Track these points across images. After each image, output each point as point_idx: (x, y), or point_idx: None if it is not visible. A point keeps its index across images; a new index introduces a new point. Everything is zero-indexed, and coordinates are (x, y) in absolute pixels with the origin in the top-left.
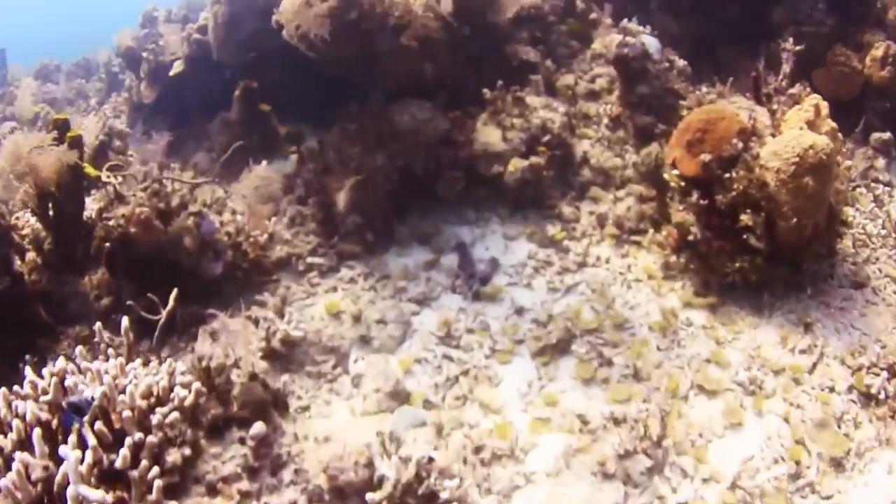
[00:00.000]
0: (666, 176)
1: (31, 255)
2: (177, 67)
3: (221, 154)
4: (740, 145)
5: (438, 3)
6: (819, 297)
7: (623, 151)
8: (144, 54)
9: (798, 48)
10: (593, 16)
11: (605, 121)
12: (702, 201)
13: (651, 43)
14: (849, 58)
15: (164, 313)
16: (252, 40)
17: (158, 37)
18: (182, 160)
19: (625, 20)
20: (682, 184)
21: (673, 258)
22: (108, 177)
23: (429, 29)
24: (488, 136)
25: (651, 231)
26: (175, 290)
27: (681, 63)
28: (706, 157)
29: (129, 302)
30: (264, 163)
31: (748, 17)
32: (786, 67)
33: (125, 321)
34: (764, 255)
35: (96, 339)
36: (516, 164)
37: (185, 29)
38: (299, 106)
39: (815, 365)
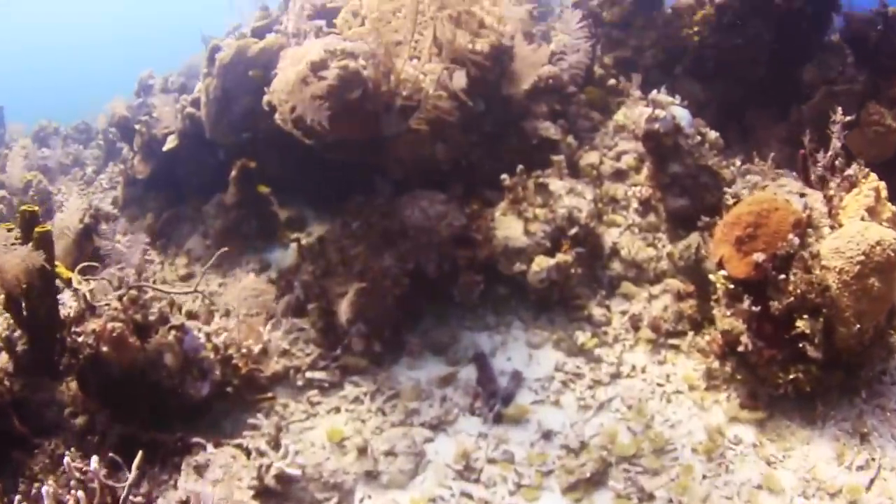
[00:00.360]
0: (712, 277)
1: (2, 359)
2: (170, 143)
3: (217, 241)
4: (797, 241)
5: (451, 78)
6: (874, 400)
7: (656, 240)
8: (137, 126)
9: (848, 119)
10: (612, 82)
11: (635, 204)
12: (754, 308)
13: (682, 115)
14: (883, 116)
15: (129, 479)
16: (246, 119)
17: (152, 108)
18: (176, 245)
19: (654, 91)
20: (731, 286)
21: (716, 365)
22: (80, 282)
23: (441, 110)
24: (509, 228)
25: (691, 333)
26: (139, 456)
27: (713, 135)
28: (760, 257)
29: (92, 468)
30: (252, 275)
31: (776, 77)
32: (836, 143)
33: (94, 462)
34: (820, 363)
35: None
36: (541, 263)
37: (179, 101)
38: (300, 188)
39: (872, 481)
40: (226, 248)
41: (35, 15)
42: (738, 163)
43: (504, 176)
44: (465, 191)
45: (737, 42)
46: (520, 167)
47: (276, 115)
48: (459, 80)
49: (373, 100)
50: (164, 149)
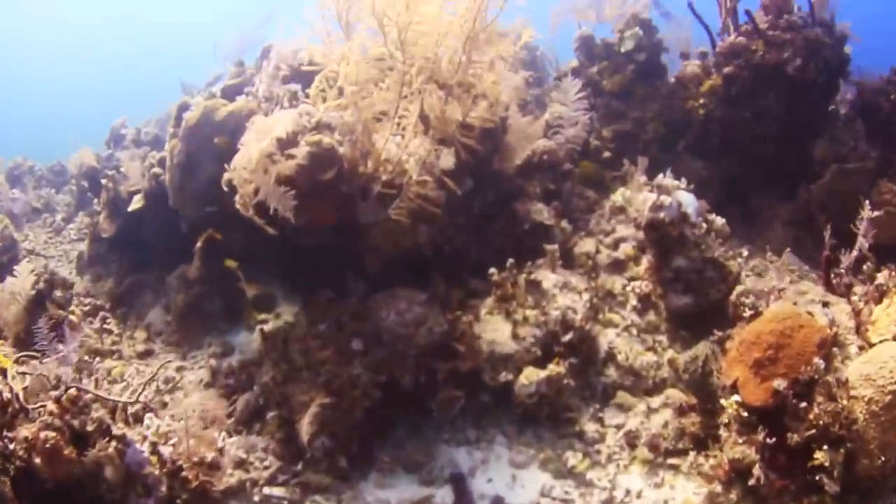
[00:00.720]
0: (724, 402)
1: None
2: (136, 203)
3: (178, 317)
4: (823, 365)
5: (438, 158)
6: None
7: (656, 343)
8: (104, 181)
9: (876, 214)
10: (607, 154)
11: (633, 301)
12: (769, 440)
13: (688, 201)
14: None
15: None
16: (211, 189)
17: (120, 162)
18: (137, 315)
19: (660, 176)
20: (744, 413)
21: (720, 489)
22: (14, 377)
23: (425, 199)
24: (496, 331)
25: (692, 452)
26: None
27: (719, 222)
28: (780, 384)
29: None
30: (197, 394)
31: (784, 154)
32: (863, 241)
33: None
34: (836, 495)
35: None
36: (530, 376)
37: (147, 158)
38: (269, 265)
39: None
40: (169, 360)
41: (31, 47)
42: (745, 253)
43: (493, 271)
44: (448, 281)
45: (745, 115)
46: (510, 261)
47: (237, 198)
48: (447, 160)
49: (348, 181)
50: (130, 209)
